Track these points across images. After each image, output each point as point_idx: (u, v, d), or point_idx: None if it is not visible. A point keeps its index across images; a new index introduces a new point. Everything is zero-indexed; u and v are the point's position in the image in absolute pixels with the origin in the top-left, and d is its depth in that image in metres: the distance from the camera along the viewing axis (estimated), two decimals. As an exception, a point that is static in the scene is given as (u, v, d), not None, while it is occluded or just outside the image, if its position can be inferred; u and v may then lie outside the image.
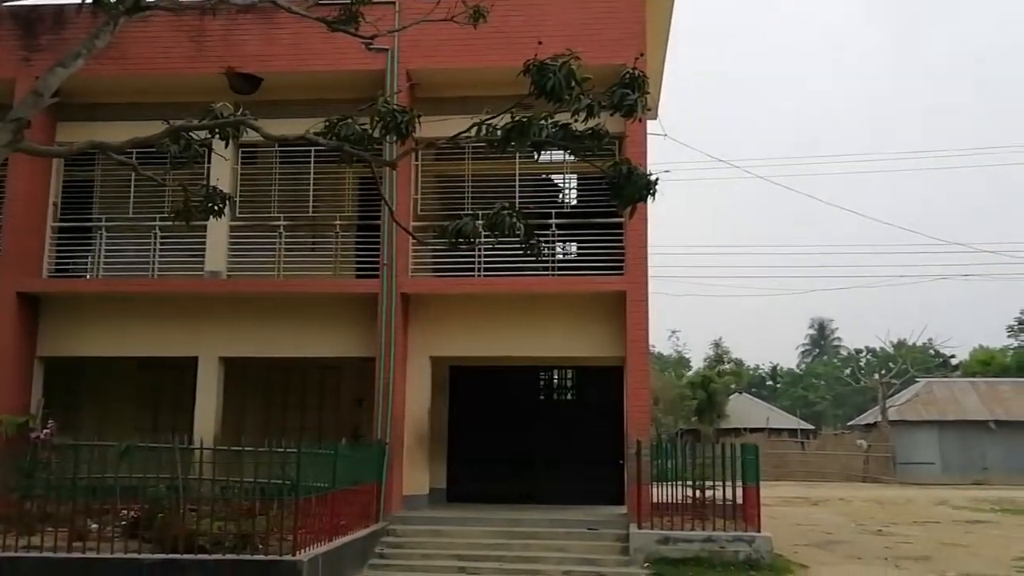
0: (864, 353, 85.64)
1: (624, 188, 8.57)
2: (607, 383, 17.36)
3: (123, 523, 11.45)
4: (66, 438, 13.28)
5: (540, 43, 8.32)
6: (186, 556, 10.41)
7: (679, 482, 14.06)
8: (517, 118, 8.27)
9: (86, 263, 17.15)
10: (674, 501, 13.84)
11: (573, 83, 8.07)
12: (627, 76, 8.51)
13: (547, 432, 17.55)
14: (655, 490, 13.91)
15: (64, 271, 16.92)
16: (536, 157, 10.84)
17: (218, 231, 15.66)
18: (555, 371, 18.61)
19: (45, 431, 14.10)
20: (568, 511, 15.28)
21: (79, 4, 13.20)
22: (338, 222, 16.36)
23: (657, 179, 8.65)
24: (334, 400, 18.33)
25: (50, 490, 11.92)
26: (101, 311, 16.02)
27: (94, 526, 11.25)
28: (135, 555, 10.57)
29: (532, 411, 17.93)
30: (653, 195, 8.75)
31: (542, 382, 18.71)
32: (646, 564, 12.81)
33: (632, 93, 8.41)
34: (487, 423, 17.25)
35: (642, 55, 10.37)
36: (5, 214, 15.90)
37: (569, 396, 18.82)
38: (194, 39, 15.73)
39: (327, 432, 17.47)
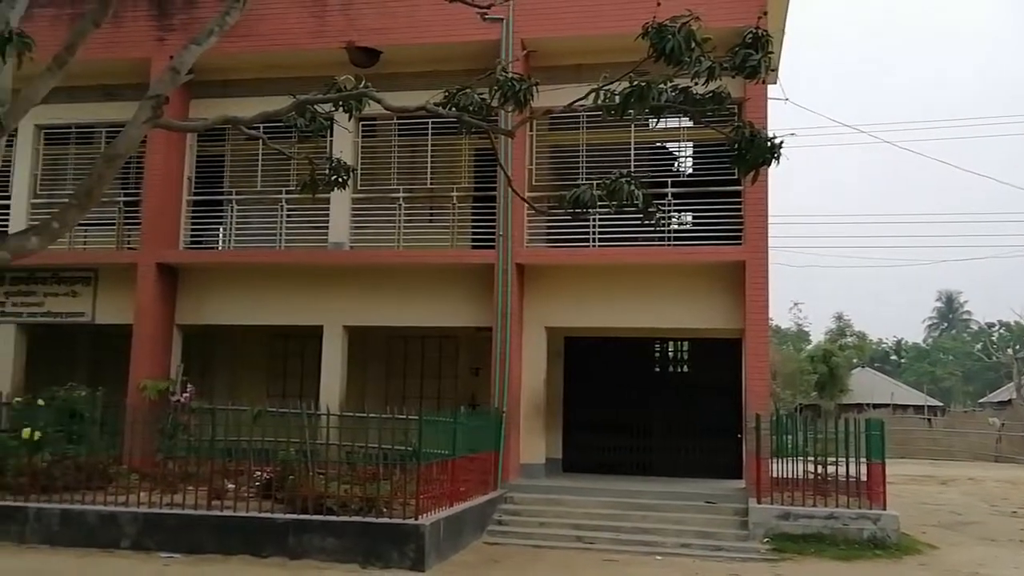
0: (996, 327, 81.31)
1: (747, 153, 8.35)
2: (724, 355, 17.05)
3: (257, 484, 12.01)
4: (203, 402, 13.98)
5: (659, 4, 8.15)
6: (315, 517, 10.84)
7: (799, 457, 13.73)
8: (636, 83, 8.14)
9: (218, 235, 17.96)
10: (794, 476, 13.53)
11: (693, 44, 7.88)
12: (749, 36, 8.26)
13: (663, 404, 17.40)
14: (775, 465, 13.62)
15: (198, 243, 17.74)
16: (655, 123, 10.68)
17: (341, 203, 16.09)
18: (671, 343, 18.38)
19: (184, 395, 14.93)
20: (685, 484, 15.15)
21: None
22: (455, 193, 16.54)
23: (782, 143, 8.39)
24: (451, 369, 18.65)
25: (190, 451, 12.62)
26: (232, 281, 16.71)
27: (230, 486, 11.84)
28: (268, 514, 11.08)
29: (648, 383, 17.79)
30: (777, 159, 8.49)
31: (657, 353, 18.53)
32: (766, 539, 12.58)
33: (755, 53, 8.16)
34: (602, 394, 17.21)
35: (765, 14, 10.04)
36: (145, 189, 16.76)
37: (685, 368, 18.57)
38: (315, 14, 16.09)
39: (445, 400, 17.84)
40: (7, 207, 17.23)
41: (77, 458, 12.41)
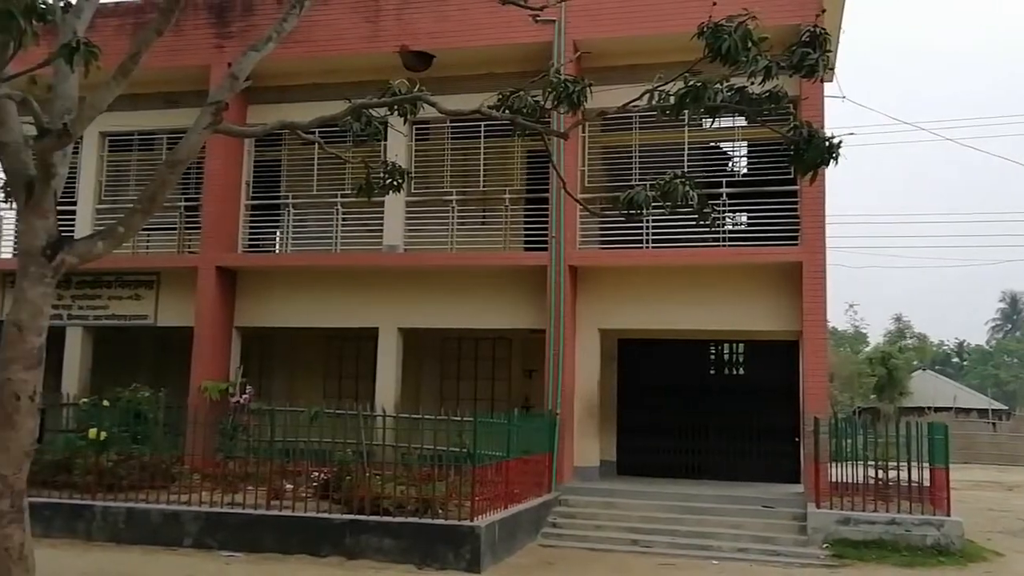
0: (1063, 329, 78.92)
1: (805, 152, 8.20)
2: (781, 358, 16.83)
3: (314, 484, 12.18)
4: (261, 404, 14.23)
5: (715, 3, 8.06)
6: (372, 517, 10.97)
7: (859, 461, 13.48)
8: (691, 83, 8.06)
9: (275, 238, 18.26)
10: (854, 481, 13.31)
11: (750, 44, 7.78)
12: (807, 34, 8.12)
13: (718, 407, 17.21)
14: (833, 469, 13.40)
15: (256, 246, 18.05)
16: (711, 123, 10.56)
17: (395, 206, 16.24)
18: (726, 345, 18.18)
19: (244, 396, 15.19)
20: (741, 487, 14.98)
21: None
22: (507, 195, 16.59)
23: (840, 142, 8.23)
24: (504, 371, 18.69)
25: (249, 451, 12.85)
26: (289, 284, 16.98)
27: (289, 486, 12.02)
28: (326, 514, 11.24)
29: (703, 385, 17.62)
30: (836, 159, 8.33)
31: (712, 356, 18.34)
32: (825, 545, 12.38)
33: (813, 52, 8.02)
34: (656, 397, 17.09)
35: (823, 11, 9.89)
36: (204, 194, 17.12)
37: (741, 370, 18.34)
38: (369, 20, 16.28)
39: (498, 402, 17.88)
40: (73, 212, 17.70)
41: (141, 458, 12.72)
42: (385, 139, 15.09)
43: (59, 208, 7.05)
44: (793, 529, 12.98)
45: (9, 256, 18.28)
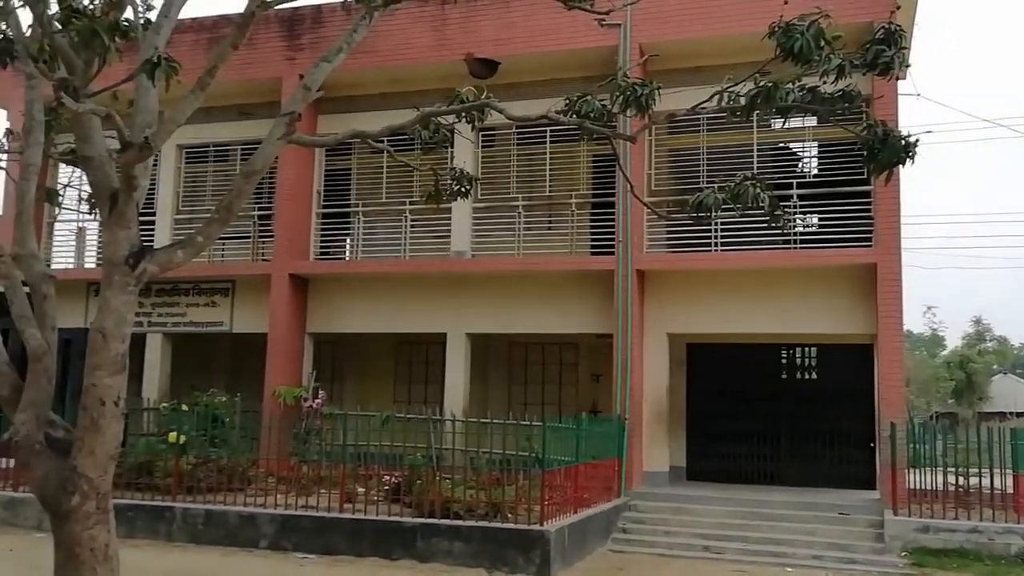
0: None
1: (879, 152, 8.01)
2: (855, 362, 16.50)
3: (386, 488, 12.33)
4: (333, 408, 14.47)
5: (786, 2, 7.95)
6: (442, 521, 11.06)
7: (938, 468, 13.12)
8: (761, 83, 7.96)
9: (345, 246, 18.57)
10: (933, 488, 12.95)
11: (822, 42, 7.65)
12: (881, 31, 7.95)
13: (791, 412, 16.91)
14: (911, 476, 13.05)
15: (327, 254, 18.38)
16: (782, 124, 10.42)
17: (462, 213, 16.37)
18: (798, 348, 17.86)
19: (316, 401, 15.46)
20: (815, 494, 14.70)
21: (341, 1, 14.11)
22: (573, 200, 16.58)
23: (917, 141, 8.04)
24: (572, 375, 18.66)
25: (322, 455, 13.07)
26: (359, 290, 17.23)
27: (361, 489, 12.19)
28: (397, 518, 11.36)
29: (774, 390, 17.33)
30: (912, 158, 8.13)
31: (784, 360, 18.03)
32: (904, 553, 12.07)
33: (888, 49, 7.85)
34: (727, 402, 16.87)
35: (898, 7, 9.68)
36: (277, 203, 17.50)
37: (813, 375, 17.98)
38: (436, 28, 16.45)
39: (566, 407, 17.84)
40: (152, 223, 18.24)
41: (218, 461, 13.03)
42: (452, 146, 15.34)
43: (139, 219, 7.27)
44: (870, 537, 12.68)
45: (93, 266, 18.92)
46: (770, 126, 15.66)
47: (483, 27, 16.20)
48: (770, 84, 7.76)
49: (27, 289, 7.10)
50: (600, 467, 13.44)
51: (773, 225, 9.17)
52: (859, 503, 13.99)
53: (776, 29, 7.73)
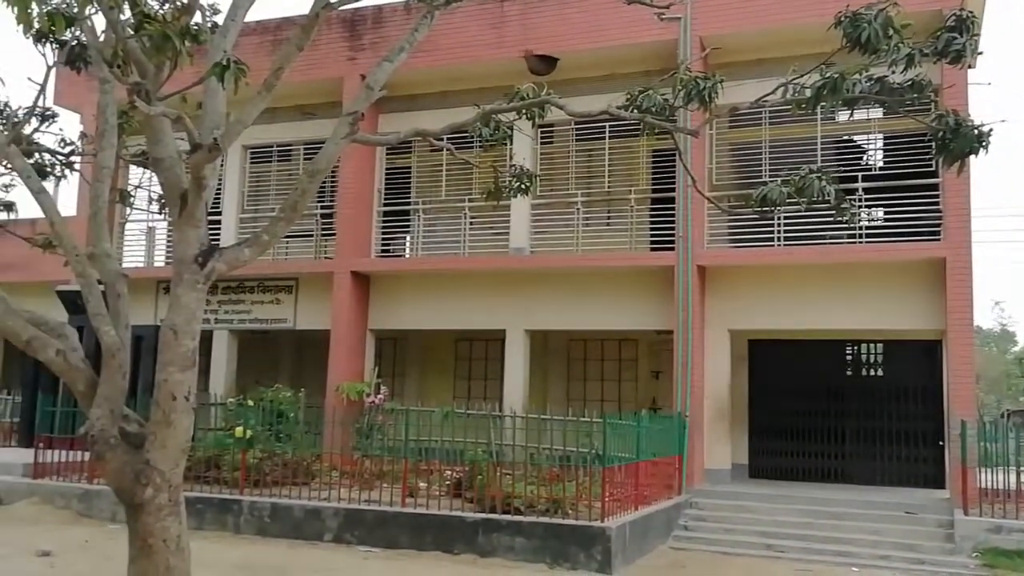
0: None
1: (951, 143, 7.82)
2: (923, 358, 16.13)
3: (447, 483, 12.43)
4: (395, 404, 14.63)
5: (851, -8, 7.80)
6: (504, 516, 11.11)
7: (1010, 467, 12.76)
8: (828, 75, 7.82)
9: (405, 243, 18.74)
10: (1005, 487, 12.59)
11: (891, 31, 7.49)
12: (952, 18, 7.75)
13: (856, 409, 16.60)
14: (982, 475, 12.72)
15: (388, 251, 18.58)
16: (849, 115, 10.23)
17: (521, 209, 16.39)
18: (863, 345, 17.50)
19: (379, 397, 15.65)
20: (881, 492, 14.42)
21: (405, 1, 14.26)
22: (633, 196, 16.49)
23: (991, 130, 7.81)
24: (631, 372, 18.58)
25: (384, 450, 13.23)
26: (420, 287, 17.37)
27: (422, 484, 12.31)
28: (459, 513, 11.45)
29: (839, 387, 17.01)
30: (986, 148, 7.92)
31: (849, 356, 17.68)
32: (975, 554, 11.76)
33: (959, 37, 7.65)
34: (790, 399, 16.61)
35: (968, -5, 9.41)
36: (339, 201, 17.74)
37: (879, 371, 17.61)
38: (494, 26, 16.49)
39: (625, 404, 17.81)
40: (219, 222, 18.64)
41: (283, 455, 13.26)
42: (511, 143, 15.37)
43: (207, 218, 7.43)
44: (939, 537, 12.39)
45: (162, 264, 19.40)
46: (834, 118, 15.38)
47: (541, 23, 16.19)
48: (836, 75, 7.62)
49: (102, 287, 7.30)
50: (661, 464, 13.36)
51: (839, 219, 9.02)
52: (927, 502, 13.68)
53: (842, 19, 7.60)
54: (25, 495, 13.60)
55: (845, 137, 16.81)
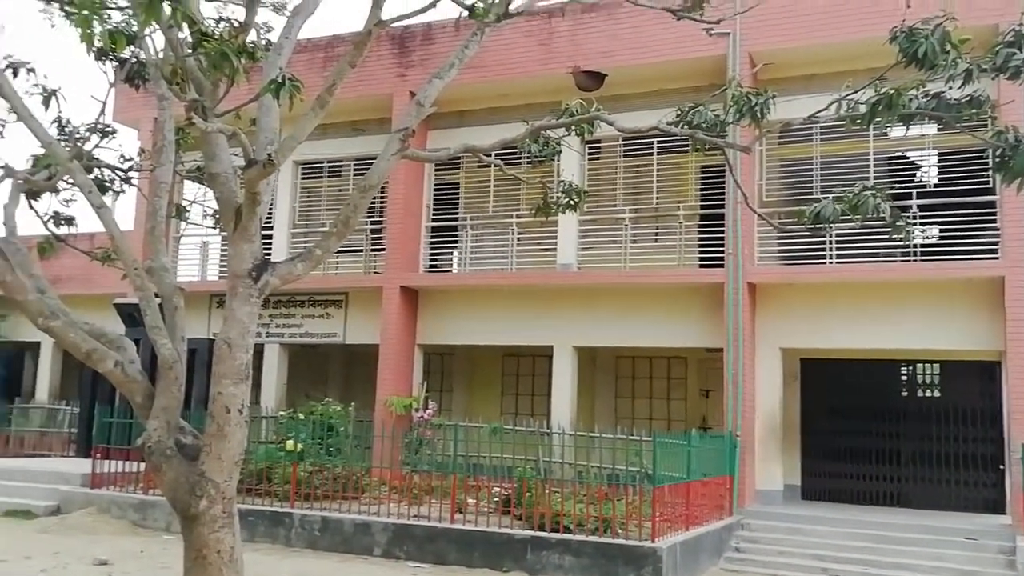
0: None
1: (1011, 160, 7.64)
2: (980, 379, 15.72)
3: (495, 499, 12.39)
4: (442, 419, 14.65)
5: (908, 6, 7.69)
6: (553, 534, 11.03)
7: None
8: (883, 90, 7.70)
9: (452, 258, 18.83)
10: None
11: (948, 46, 7.35)
12: (1012, 33, 7.59)
13: (912, 431, 16.20)
14: (1045, 500, 12.35)
15: (435, 266, 18.68)
16: (905, 131, 10.06)
17: (568, 225, 16.36)
18: (919, 365, 17.11)
19: (427, 411, 15.69)
20: (939, 517, 14.03)
21: (455, 18, 14.41)
22: (681, 212, 16.38)
23: (1053, 147, 7.62)
24: (680, 390, 18.39)
25: (432, 465, 13.24)
26: (467, 302, 17.40)
27: (471, 500, 12.29)
28: (508, 530, 11.40)
29: (894, 407, 16.62)
30: (1048, 165, 7.72)
31: (904, 376, 17.30)
32: (1038, 581, 11.40)
33: (1019, 52, 7.48)
34: (844, 419, 16.28)
35: (1029, 9, 9.18)
36: (388, 216, 17.90)
37: (936, 392, 17.20)
38: (543, 43, 16.54)
39: (674, 422, 17.63)
40: (270, 237, 18.90)
41: (333, 469, 13.34)
42: (559, 159, 15.40)
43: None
44: (1000, 564, 12.04)
45: (215, 278, 19.72)
46: (886, 134, 15.14)
47: (590, 39, 16.20)
48: (892, 91, 7.51)
49: (158, 301, 7.44)
50: (711, 484, 13.18)
51: (895, 237, 8.84)
52: (988, 528, 13.28)
53: (898, 34, 7.49)
54: (82, 505, 13.86)
55: (898, 153, 16.53)
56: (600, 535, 10.97)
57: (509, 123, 14.19)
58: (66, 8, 7.46)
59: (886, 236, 12.42)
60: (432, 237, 18.38)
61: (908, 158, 17.13)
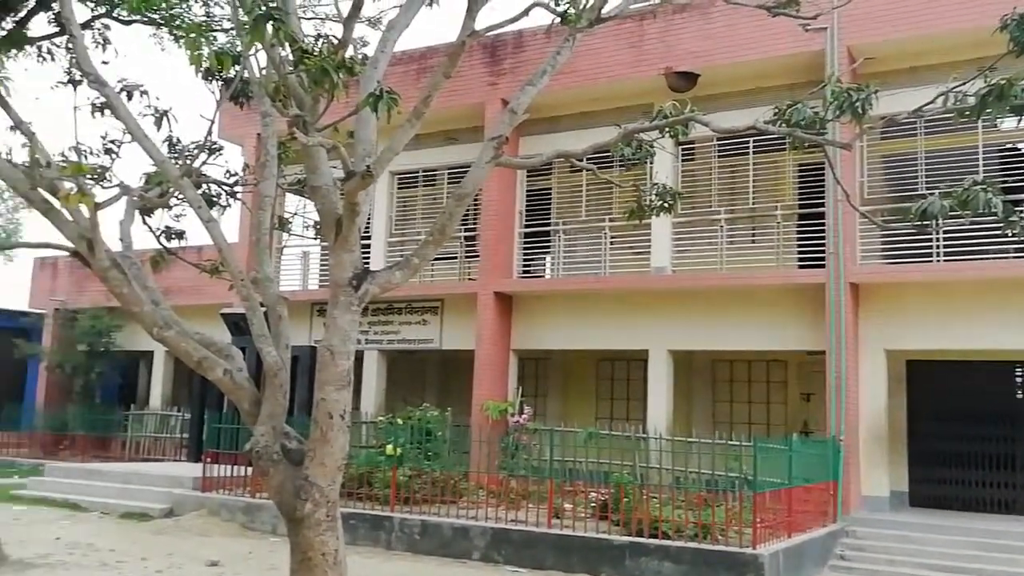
0: None
1: None
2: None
3: (592, 504, 12.36)
4: (538, 424, 14.69)
5: (1018, -6, 7.37)
6: (651, 540, 10.94)
7: None
8: (992, 81, 7.39)
9: (545, 263, 18.88)
10: None
11: (1064, 33, 7.02)
12: None
13: (1027, 435, 15.47)
14: None
15: (529, 272, 18.76)
16: (1018, 123, 9.60)
17: (662, 228, 16.21)
18: (1035, 366, 16.31)
19: (523, 416, 15.77)
20: (1060, 525, 13.35)
21: (547, 26, 14.52)
22: (779, 211, 16.04)
23: None
24: (780, 394, 17.98)
25: (528, 470, 13.29)
26: (561, 307, 17.43)
27: (568, 505, 12.29)
28: (605, 535, 11.35)
29: (1007, 411, 15.85)
30: None
31: (1019, 378, 16.50)
32: None
33: None
34: (953, 423, 15.61)
35: None
36: (481, 223, 18.07)
37: (1055, 395, 16.35)
38: (633, 45, 16.45)
39: (774, 427, 17.25)
40: (368, 246, 19.30)
41: (432, 473, 13.53)
42: (652, 161, 15.27)
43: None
44: None
45: (316, 287, 20.25)
46: (997, 126, 14.51)
47: (682, 40, 16.03)
48: (1004, 81, 7.20)
49: (263, 310, 7.68)
50: (813, 490, 12.84)
51: (1009, 233, 8.47)
52: (1113, 538, 12.57)
53: (1009, 21, 7.19)
54: (194, 507, 14.43)
55: (1009, 145, 15.80)
56: (700, 541, 10.82)
57: (600, 127, 14.18)
58: (175, 32, 7.78)
59: (997, 232, 11.93)
60: (525, 243, 18.47)
61: (1021, 151, 16.36)
